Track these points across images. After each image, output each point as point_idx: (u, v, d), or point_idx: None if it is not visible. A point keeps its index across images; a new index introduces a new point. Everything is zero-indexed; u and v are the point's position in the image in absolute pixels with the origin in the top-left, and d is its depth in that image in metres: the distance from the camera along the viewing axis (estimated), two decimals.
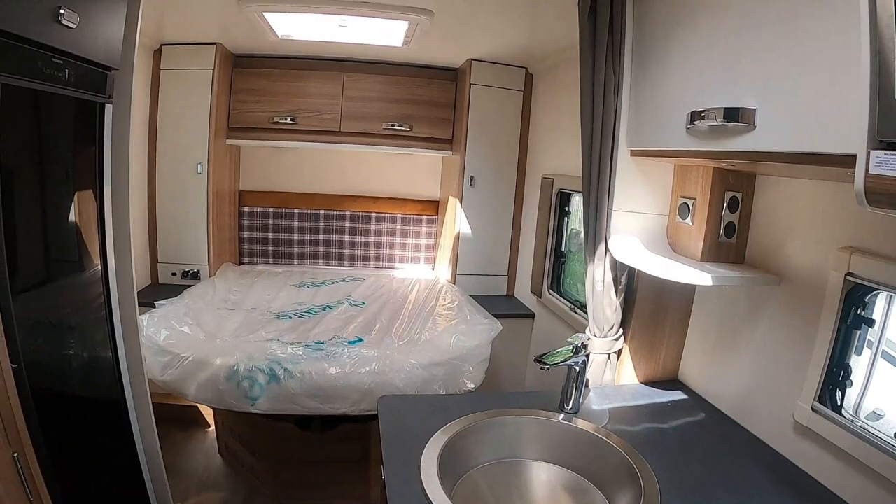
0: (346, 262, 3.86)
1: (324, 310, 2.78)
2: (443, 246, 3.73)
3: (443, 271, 3.64)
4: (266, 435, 2.45)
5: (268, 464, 2.48)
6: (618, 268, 1.68)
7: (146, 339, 2.16)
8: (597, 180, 1.64)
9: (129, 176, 1.64)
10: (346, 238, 3.84)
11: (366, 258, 3.89)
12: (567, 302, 2.72)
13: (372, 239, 3.87)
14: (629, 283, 1.73)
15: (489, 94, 3.19)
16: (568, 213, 2.90)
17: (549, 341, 2.86)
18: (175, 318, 2.30)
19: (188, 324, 2.29)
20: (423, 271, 3.88)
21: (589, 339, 1.73)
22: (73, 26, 1.23)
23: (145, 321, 2.24)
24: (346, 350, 2.15)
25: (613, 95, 1.58)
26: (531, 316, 3.14)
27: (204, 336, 2.21)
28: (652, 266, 1.45)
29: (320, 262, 3.83)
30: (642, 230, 1.66)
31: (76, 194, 1.49)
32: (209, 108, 3.01)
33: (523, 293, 3.33)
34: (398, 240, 3.90)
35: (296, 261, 3.80)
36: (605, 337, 1.73)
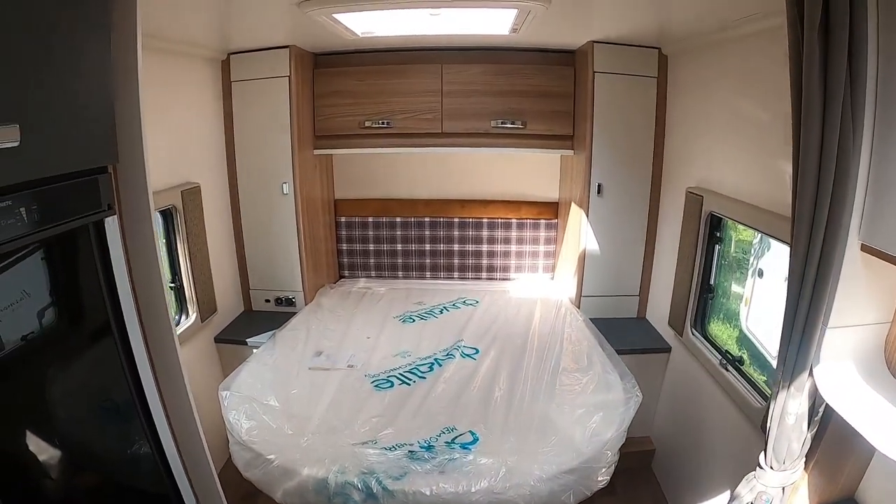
0: (456, 274, 3.44)
1: (431, 368, 2.36)
2: (564, 257, 3.19)
3: (564, 283, 3.12)
4: None
5: None
6: (817, 398, 1.30)
7: (228, 424, 1.92)
8: (811, 283, 1.17)
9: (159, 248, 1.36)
10: (456, 247, 3.40)
11: (478, 269, 3.43)
12: (714, 352, 2.19)
13: (484, 247, 3.39)
14: (826, 413, 1.33)
15: (615, 83, 2.54)
16: (720, 240, 2.29)
17: (686, 384, 2.42)
18: (259, 394, 2.04)
19: (273, 408, 2.00)
20: (542, 282, 3.37)
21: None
22: (14, 144, 0.88)
23: (226, 399, 2.00)
24: (456, 459, 1.74)
25: (846, 161, 1.05)
26: (667, 350, 2.59)
27: (290, 430, 1.91)
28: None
29: (427, 274, 3.43)
30: (856, 346, 1.26)
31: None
32: (289, 119, 2.63)
33: (657, 318, 2.75)
34: (513, 247, 3.39)
35: (400, 273, 3.44)
36: (784, 470, 1.39)
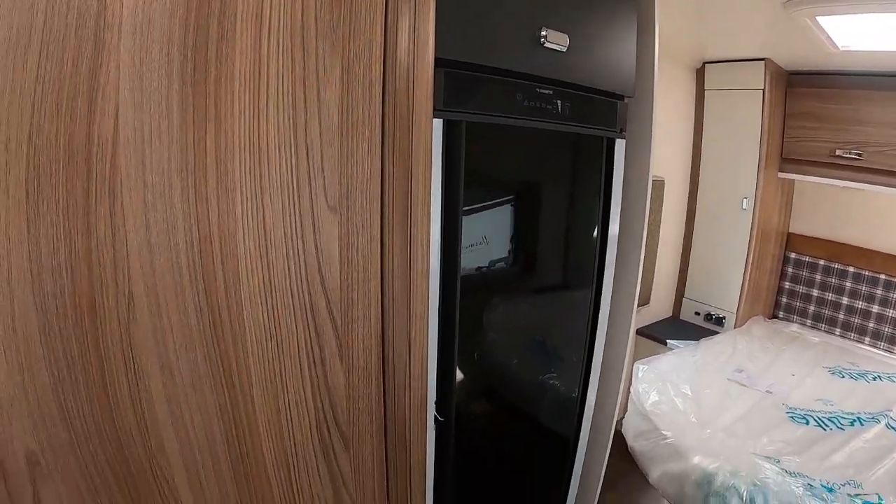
0: None
1: (852, 424, 2.03)
2: None
3: None
4: None
5: None
6: None
7: (634, 393, 2.12)
8: None
9: (645, 221, 1.53)
10: None
11: None
12: None
13: None
14: None
15: None
16: None
17: None
18: (674, 382, 2.16)
19: (684, 394, 2.10)
20: None
21: None
22: (561, 49, 1.06)
23: (640, 371, 2.20)
24: None
25: None
26: None
27: (695, 419, 1.98)
28: None
29: (867, 339, 2.85)
30: None
31: (581, 236, 1.45)
32: (759, 134, 2.59)
33: None
34: None
35: (837, 330, 2.96)
36: None
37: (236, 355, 0.75)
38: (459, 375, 1.16)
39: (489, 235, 1.20)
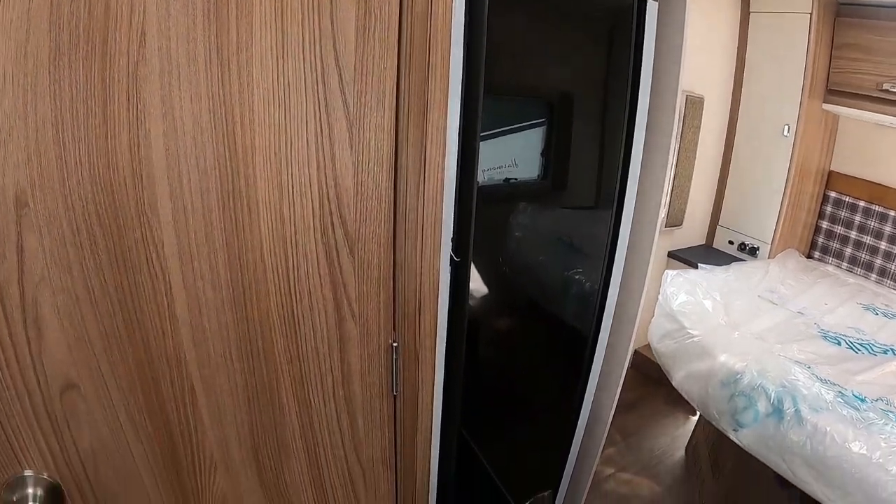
0: None
1: (885, 353, 1.93)
2: None
3: None
4: (738, 466, 1.99)
5: (724, 495, 2.03)
6: None
7: (662, 297, 2.06)
8: None
9: (677, 110, 1.39)
10: None
11: None
12: None
13: None
14: None
15: None
16: None
17: None
18: (704, 288, 2.08)
19: (714, 299, 2.02)
20: None
21: None
22: None
23: (669, 277, 2.14)
24: (890, 427, 1.42)
25: None
26: None
27: (724, 321, 1.90)
28: None
29: None
30: None
31: (603, 114, 1.36)
32: (804, 62, 2.47)
33: None
34: None
35: (874, 276, 2.82)
36: None
37: (241, 115, 0.70)
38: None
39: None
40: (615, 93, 1.34)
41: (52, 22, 0.57)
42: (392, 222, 0.89)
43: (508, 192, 1.27)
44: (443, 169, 0.92)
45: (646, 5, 1.25)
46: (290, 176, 0.77)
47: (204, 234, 0.73)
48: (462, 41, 0.94)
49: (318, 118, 0.77)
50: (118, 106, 0.63)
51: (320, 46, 0.74)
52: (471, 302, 1.18)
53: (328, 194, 0.81)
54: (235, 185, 0.73)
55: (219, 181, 0.72)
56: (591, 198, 1.45)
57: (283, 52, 0.72)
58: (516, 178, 1.26)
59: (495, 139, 1.20)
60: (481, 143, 1.03)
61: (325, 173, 0.80)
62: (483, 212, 1.07)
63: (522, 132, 1.26)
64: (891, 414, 1.54)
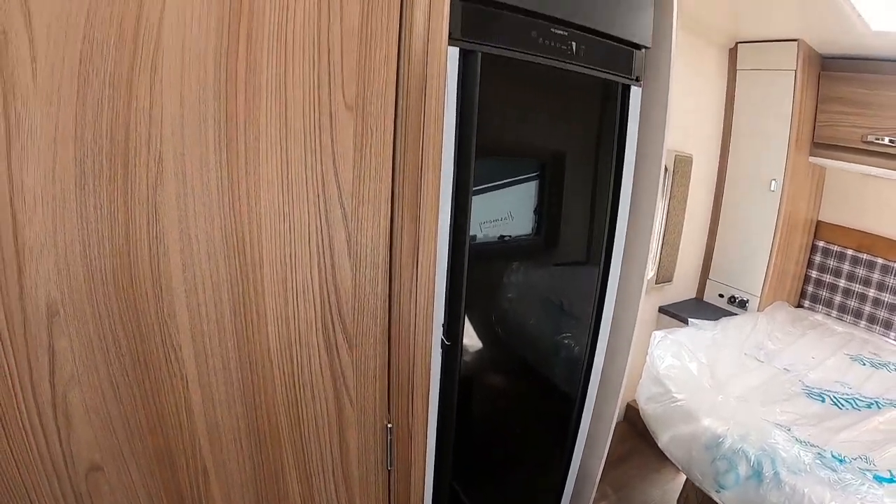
0: None
1: (868, 406, 2.00)
2: None
3: None
4: None
5: None
6: None
7: (649, 359, 2.14)
8: None
9: (661, 176, 1.53)
10: None
11: None
12: None
13: None
14: None
15: None
16: None
17: None
18: (690, 350, 2.16)
19: (699, 361, 2.10)
20: None
21: None
22: None
23: (657, 339, 2.21)
24: (866, 487, 1.49)
25: None
26: None
27: (708, 385, 1.98)
28: None
29: (892, 333, 2.78)
30: None
31: (591, 181, 1.46)
32: (789, 117, 2.58)
33: None
34: None
35: (863, 323, 2.90)
36: None
37: (250, 231, 0.79)
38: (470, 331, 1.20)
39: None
40: (603, 160, 1.45)
41: (77, 148, 0.64)
42: (387, 317, 0.98)
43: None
44: (434, 264, 1.01)
45: (629, 91, 1.38)
46: (294, 283, 0.86)
47: (217, 338, 0.81)
48: (454, 145, 1.06)
49: (319, 229, 0.86)
50: (138, 227, 0.71)
51: (321, 163, 0.83)
52: (464, 357, 1.27)
53: (329, 298, 0.90)
54: (245, 294, 0.82)
55: (230, 291, 0.81)
56: (582, 257, 1.56)
57: (288, 170, 0.81)
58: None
59: (488, 223, 1.32)
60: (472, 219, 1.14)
61: (326, 279, 0.89)
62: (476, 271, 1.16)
63: (512, 213, 1.38)
64: (868, 473, 1.60)
